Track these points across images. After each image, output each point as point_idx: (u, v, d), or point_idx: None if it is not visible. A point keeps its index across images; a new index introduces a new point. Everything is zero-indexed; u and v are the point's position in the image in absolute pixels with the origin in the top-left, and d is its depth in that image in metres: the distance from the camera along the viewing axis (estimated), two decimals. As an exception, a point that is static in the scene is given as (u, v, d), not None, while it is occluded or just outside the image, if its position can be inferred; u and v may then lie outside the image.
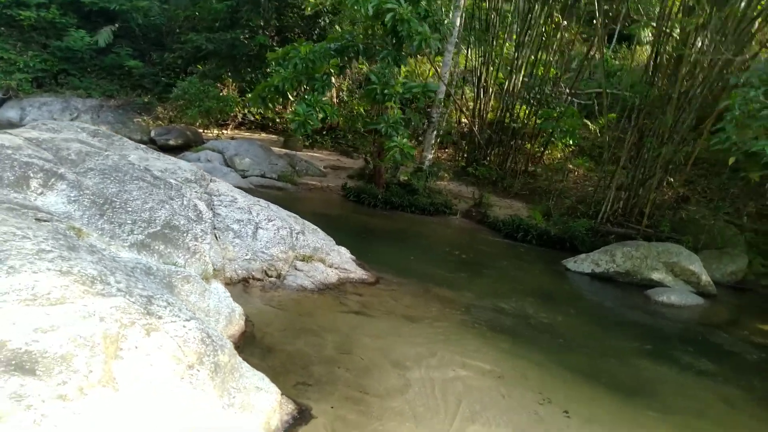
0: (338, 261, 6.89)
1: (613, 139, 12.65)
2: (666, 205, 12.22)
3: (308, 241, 6.80)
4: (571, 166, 14.80)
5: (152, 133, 15.07)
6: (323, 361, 4.56)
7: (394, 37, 10.34)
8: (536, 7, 14.52)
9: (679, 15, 11.60)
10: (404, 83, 10.25)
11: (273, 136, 18.08)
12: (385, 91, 9.79)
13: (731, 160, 7.16)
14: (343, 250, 7.45)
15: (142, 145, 7.31)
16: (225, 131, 17.39)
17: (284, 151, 15.20)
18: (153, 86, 18.38)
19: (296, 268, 6.32)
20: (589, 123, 14.59)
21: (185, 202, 5.78)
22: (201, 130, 16.20)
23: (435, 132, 13.53)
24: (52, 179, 4.44)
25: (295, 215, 7.46)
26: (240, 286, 5.80)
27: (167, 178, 5.99)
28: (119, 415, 2.59)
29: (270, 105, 12.78)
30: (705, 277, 9.19)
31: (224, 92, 17.25)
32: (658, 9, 12.35)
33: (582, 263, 9.42)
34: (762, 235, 11.85)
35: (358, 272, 6.85)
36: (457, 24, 13.41)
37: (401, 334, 5.40)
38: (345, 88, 18.23)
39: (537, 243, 11.32)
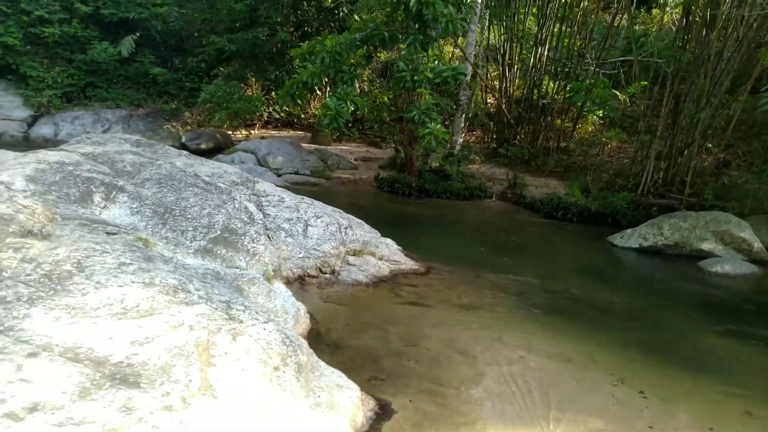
0: (387, 253, 6.89)
1: (647, 107, 12.36)
2: (707, 171, 11.93)
3: (356, 235, 6.81)
4: (604, 139, 14.52)
5: (183, 139, 15.23)
6: (391, 354, 4.58)
7: (419, 21, 10.24)
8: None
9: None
10: (433, 68, 10.14)
11: (300, 132, 18.13)
12: (415, 78, 9.71)
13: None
14: (389, 241, 7.45)
15: (184, 152, 7.38)
16: (252, 131, 17.50)
17: (314, 146, 15.23)
18: (178, 92, 18.57)
19: (349, 263, 6.34)
20: (618, 93, 14.24)
21: (237, 205, 5.82)
22: (230, 132, 16.33)
23: (463, 115, 13.40)
24: (114, 192, 4.51)
25: (339, 210, 7.46)
26: (297, 284, 5.84)
27: (217, 183, 6.04)
28: (221, 423, 2.63)
29: (299, 101, 12.80)
30: (757, 244, 8.97)
31: (248, 92, 17.33)
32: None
33: (629, 238, 9.27)
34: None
35: (408, 263, 6.85)
36: (479, 1, 13.22)
37: (461, 323, 5.38)
38: (366, 78, 18.17)
39: (578, 221, 11.20)
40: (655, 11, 17.74)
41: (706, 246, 8.91)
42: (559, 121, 15.30)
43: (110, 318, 2.79)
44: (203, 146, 15.10)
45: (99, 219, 4.10)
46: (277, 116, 18.71)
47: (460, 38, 14.20)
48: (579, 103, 12.71)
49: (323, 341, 4.73)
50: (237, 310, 3.37)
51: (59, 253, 3.14)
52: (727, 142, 12.09)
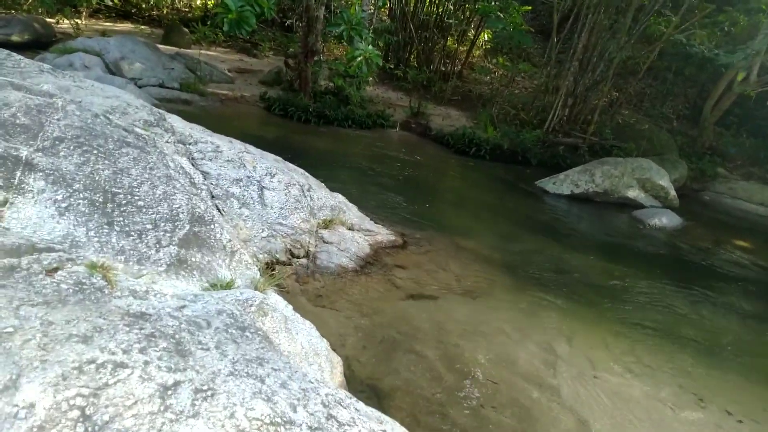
0: (356, 220, 5.43)
1: (558, 40, 11.84)
2: (600, 110, 11.99)
3: (322, 198, 5.21)
4: (499, 70, 13.91)
5: (-17, 25, 11.21)
6: (452, 397, 3.36)
7: None
8: None
9: None
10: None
11: (144, 27, 14.69)
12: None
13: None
14: (341, 197, 5.96)
15: (46, 65, 4.93)
16: (78, 21, 13.66)
17: (174, 49, 12.31)
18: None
19: (324, 241, 4.79)
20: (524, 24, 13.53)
21: (174, 166, 3.89)
22: (51, 21, 12.48)
23: (368, 31, 11.66)
24: (18, 172, 2.45)
25: (283, 161, 5.73)
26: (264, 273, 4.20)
27: (134, 129, 3.98)
28: None
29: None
30: (672, 192, 9.14)
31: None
32: None
33: (561, 184, 8.84)
34: (688, 138, 12.22)
35: (382, 232, 5.48)
36: None
37: (490, 326, 4.32)
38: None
39: (490, 158, 10.56)
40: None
41: (631, 193, 8.84)
42: (452, 43, 14.27)
43: None
44: (15, 38, 11.27)
45: (16, 235, 2.13)
46: (111, 3, 14.91)
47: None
48: (493, 29, 11.60)
49: (354, 381, 3.35)
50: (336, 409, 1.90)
51: None
52: (636, 83, 12.14)
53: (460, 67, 13.87)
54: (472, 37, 14.27)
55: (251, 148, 5.35)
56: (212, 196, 4.31)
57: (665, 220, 8.05)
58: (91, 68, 9.64)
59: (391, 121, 11.44)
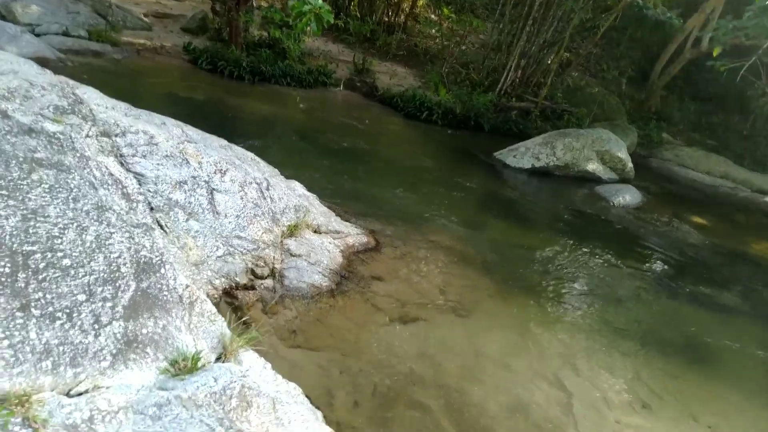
0: (323, 220, 4.61)
1: None
2: (551, 72, 11.51)
3: (283, 198, 4.35)
4: (440, 19, 13.03)
5: None
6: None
7: None
8: None
9: None
10: None
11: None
12: None
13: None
14: (299, 188, 5.12)
15: None
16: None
17: (76, -14, 10.48)
18: None
19: (291, 253, 3.96)
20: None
21: (101, 176, 2.93)
22: None
23: (304, -27, 10.36)
24: None
25: (230, 146, 4.77)
26: (224, 306, 3.38)
27: (43, 126, 2.95)
28: None
29: None
30: (629, 164, 8.90)
31: None
32: None
33: (522, 158, 8.33)
34: (635, 102, 12.07)
35: (352, 232, 4.71)
36: None
37: (489, 357, 3.76)
38: None
39: (442, 123, 9.89)
40: None
41: (590, 167, 8.51)
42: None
43: None
44: None
45: None
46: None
47: None
48: None
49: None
50: None
51: None
52: (592, 46, 11.68)
53: (403, 18, 12.87)
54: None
55: (191, 130, 4.37)
56: (151, 208, 3.37)
57: (629, 197, 7.78)
58: (-28, 10, 7.93)
59: (333, 79, 10.43)
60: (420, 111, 9.83)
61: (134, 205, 3.14)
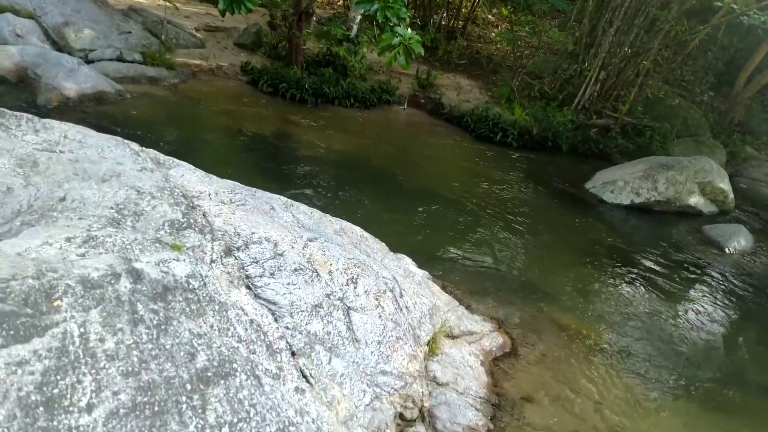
0: (452, 318, 3.95)
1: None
2: (636, 84, 10.63)
3: (416, 301, 3.69)
4: (509, 24, 12.15)
5: None
6: None
7: None
8: None
9: None
10: None
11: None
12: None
13: None
14: (408, 262, 4.49)
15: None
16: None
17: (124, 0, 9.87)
18: None
19: (437, 382, 3.32)
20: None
21: (247, 335, 2.34)
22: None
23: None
24: None
25: (343, 229, 4.13)
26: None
27: (168, 266, 2.35)
28: None
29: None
30: (731, 195, 8.07)
31: None
32: None
33: (620, 193, 7.55)
34: (715, 112, 11.15)
35: (484, 331, 4.05)
36: None
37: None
38: None
39: (517, 145, 9.13)
40: None
41: (692, 200, 7.72)
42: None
43: None
44: None
45: None
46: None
47: None
48: None
49: None
50: None
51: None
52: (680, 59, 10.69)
53: (462, 22, 12.02)
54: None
55: (301, 213, 3.78)
56: (293, 353, 2.76)
57: (743, 242, 6.99)
58: (24, 37, 7.35)
59: (396, 96, 9.69)
60: (493, 132, 9.08)
61: (278, 358, 2.56)
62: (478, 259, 5.43)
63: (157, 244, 2.63)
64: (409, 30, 6.28)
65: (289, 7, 8.85)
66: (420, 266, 4.63)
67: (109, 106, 6.83)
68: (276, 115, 8.09)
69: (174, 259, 2.51)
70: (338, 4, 12.00)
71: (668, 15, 8.46)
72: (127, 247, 2.48)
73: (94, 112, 6.52)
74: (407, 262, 4.51)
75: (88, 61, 7.59)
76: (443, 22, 11.75)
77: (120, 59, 7.89)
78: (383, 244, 4.48)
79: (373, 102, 9.32)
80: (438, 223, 6.12)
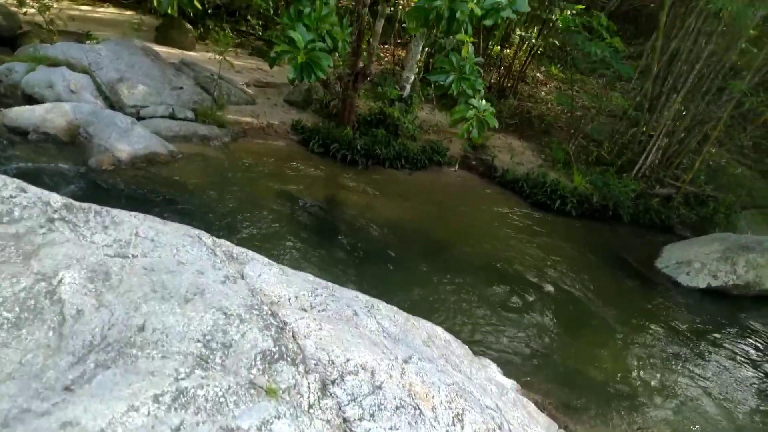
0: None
1: (663, 61, 9.53)
2: (695, 152, 10.15)
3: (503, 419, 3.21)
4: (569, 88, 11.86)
5: None
6: None
7: None
8: None
9: None
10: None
11: (127, 12, 12.00)
12: (457, 11, 5.53)
13: None
14: (494, 370, 4.02)
15: (54, 199, 2.74)
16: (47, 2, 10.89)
17: (175, 52, 9.81)
18: None
19: None
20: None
21: None
22: (14, 9, 9.72)
23: (422, 42, 9.40)
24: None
25: (427, 329, 3.70)
26: None
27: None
28: None
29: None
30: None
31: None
32: None
33: (696, 276, 7.01)
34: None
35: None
36: None
37: None
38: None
39: (576, 213, 8.67)
40: None
41: (771, 284, 7.14)
42: (496, 46, 12.10)
43: None
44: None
45: None
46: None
47: None
48: (592, 50, 9.13)
49: None
50: None
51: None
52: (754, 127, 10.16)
53: (513, 81, 11.76)
54: (519, 40, 12.13)
55: (385, 318, 3.33)
56: None
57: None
58: (78, 93, 7.21)
59: (447, 157, 9.37)
60: (551, 199, 8.65)
61: None
62: (559, 357, 4.93)
63: (252, 390, 2.21)
64: (483, 102, 5.98)
65: (346, 66, 8.64)
66: (501, 367, 4.18)
67: (161, 168, 6.58)
68: (328, 178, 7.79)
69: (275, 417, 2.09)
70: (386, 60, 11.83)
71: (741, 85, 8.03)
72: (221, 400, 2.07)
73: (147, 176, 6.26)
74: (493, 370, 4.04)
75: (140, 118, 7.42)
76: (493, 80, 11.48)
77: (172, 116, 7.70)
78: (466, 347, 4.02)
79: (424, 163, 9.00)
80: (507, 309, 5.65)
